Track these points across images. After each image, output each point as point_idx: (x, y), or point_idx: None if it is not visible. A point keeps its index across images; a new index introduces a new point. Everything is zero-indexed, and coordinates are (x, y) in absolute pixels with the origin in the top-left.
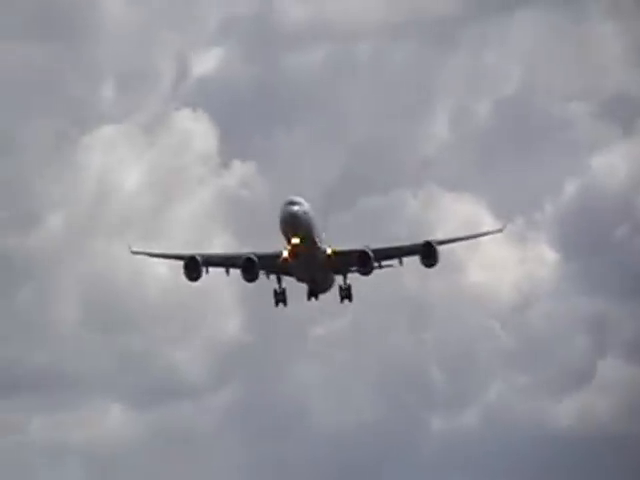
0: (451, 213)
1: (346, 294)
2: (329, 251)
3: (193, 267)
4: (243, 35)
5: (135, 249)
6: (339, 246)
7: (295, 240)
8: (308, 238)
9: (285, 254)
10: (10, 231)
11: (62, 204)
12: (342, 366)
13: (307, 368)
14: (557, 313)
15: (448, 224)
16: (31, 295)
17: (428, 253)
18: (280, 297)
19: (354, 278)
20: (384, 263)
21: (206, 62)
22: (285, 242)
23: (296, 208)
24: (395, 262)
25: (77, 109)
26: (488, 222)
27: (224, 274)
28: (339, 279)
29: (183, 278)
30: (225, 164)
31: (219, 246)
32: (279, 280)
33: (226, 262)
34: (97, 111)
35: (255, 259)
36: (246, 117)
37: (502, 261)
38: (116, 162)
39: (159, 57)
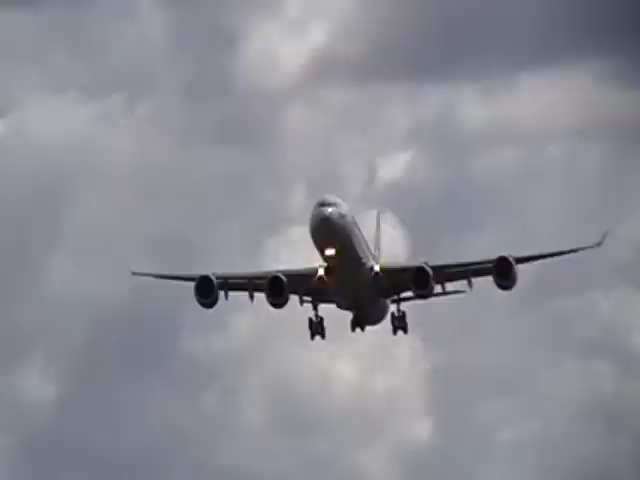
0: None
1: (400, 324)
2: (377, 268)
3: (206, 289)
4: (429, 139)
5: (135, 270)
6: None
7: (330, 251)
8: (347, 250)
9: (321, 272)
10: (195, 333)
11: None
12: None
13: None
14: None
15: None
16: (216, 397)
17: (502, 271)
18: (317, 327)
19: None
20: (449, 287)
21: (393, 166)
22: (320, 257)
23: (330, 210)
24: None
25: (268, 212)
26: None
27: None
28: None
29: (196, 304)
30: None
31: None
32: (315, 307)
33: (248, 284)
34: (287, 214)
35: (283, 278)
36: (433, 220)
37: None
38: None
39: (347, 161)
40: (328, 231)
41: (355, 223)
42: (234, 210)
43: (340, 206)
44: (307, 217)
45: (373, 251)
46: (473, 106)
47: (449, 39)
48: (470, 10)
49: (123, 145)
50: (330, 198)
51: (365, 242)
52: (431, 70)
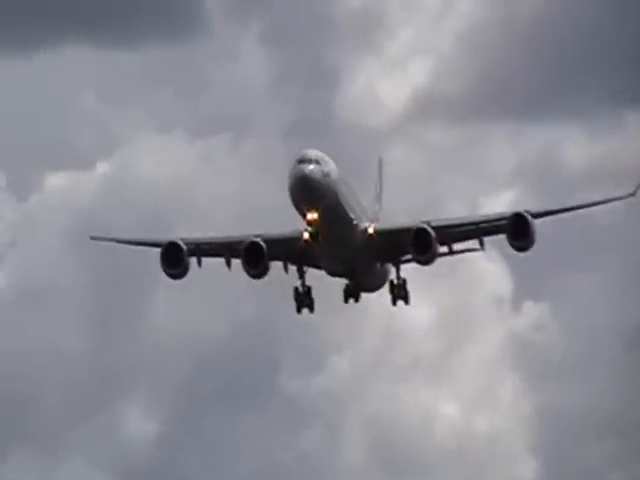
0: None
1: (400, 293)
2: (371, 230)
3: (174, 256)
4: (533, 178)
5: (95, 235)
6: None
7: (311, 215)
8: (334, 212)
9: (306, 236)
10: (294, 374)
11: (347, 346)
12: None
13: None
14: None
15: None
16: (315, 438)
17: (518, 229)
18: (304, 299)
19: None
20: (456, 247)
21: (496, 206)
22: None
23: (311, 167)
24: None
25: None
26: None
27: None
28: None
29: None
30: (517, 305)
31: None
32: (301, 275)
33: (222, 249)
34: None
35: (262, 244)
36: (539, 257)
37: None
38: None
39: (449, 200)
40: (309, 192)
41: (343, 180)
42: None
43: (323, 163)
44: None
45: (374, 205)
46: (577, 145)
47: (552, 77)
48: (574, 48)
49: (227, 184)
50: (311, 153)
51: (357, 200)
52: (534, 108)
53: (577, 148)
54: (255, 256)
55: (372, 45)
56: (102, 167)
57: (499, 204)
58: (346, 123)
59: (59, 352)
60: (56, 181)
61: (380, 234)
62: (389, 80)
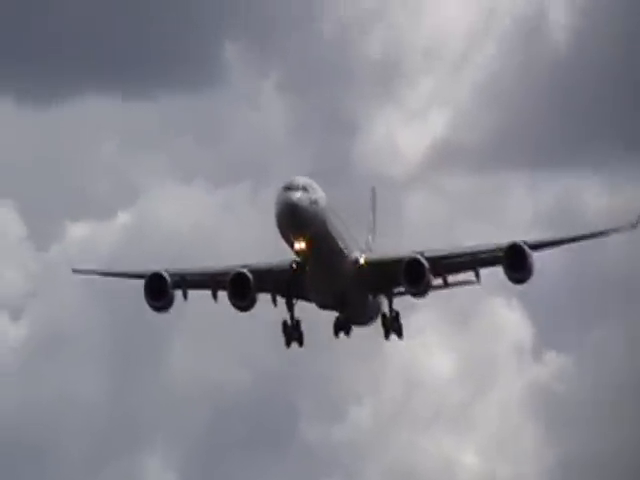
0: None
1: (392, 326)
2: (362, 260)
3: (158, 288)
4: (551, 227)
5: (76, 267)
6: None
7: (299, 244)
8: (322, 241)
9: (294, 265)
10: (314, 422)
11: (368, 395)
12: None
13: None
14: None
15: None
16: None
17: (514, 261)
18: (292, 333)
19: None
20: (451, 280)
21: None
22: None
23: (298, 195)
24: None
25: None
26: None
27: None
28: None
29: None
30: (538, 355)
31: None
32: (290, 307)
33: (208, 281)
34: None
35: (249, 275)
36: (562, 309)
37: None
38: (425, 354)
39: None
40: (296, 220)
41: (332, 209)
42: None
43: (311, 190)
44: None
45: (367, 236)
46: (595, 194)
47: (569, 126)
48: (588, 98)
49: (247, 233)
50: (299, 180)
51: (347, 230)
52: (552, 157)
53: (593, 196)
54: (241, 288)
55: (390, 94)
56: (123, 217)
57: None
58: (364, 171)
59: (75, 401)
60: (77, 231)
61: (371, 265)
62: (407, 129)
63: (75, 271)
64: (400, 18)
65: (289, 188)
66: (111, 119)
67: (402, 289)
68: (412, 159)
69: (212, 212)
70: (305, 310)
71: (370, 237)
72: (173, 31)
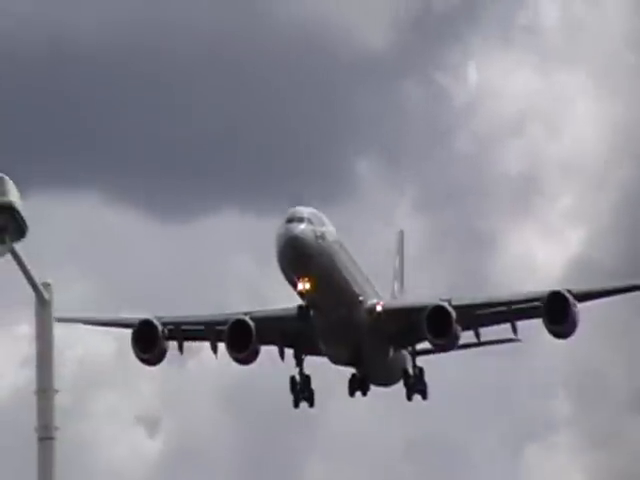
0: None
1: (415, 385)
2: (379, 308)
3: (148, 337)
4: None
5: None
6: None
7: (303, 285)
8: (331, 283)
9: (299, 311)
10: None
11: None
12: None
13: None
14: None
15: None
16: None
17: (556, 312)
18: (301, 391)
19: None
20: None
21: None
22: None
23: (302, 227)
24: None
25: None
26: None
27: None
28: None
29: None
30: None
31: None
32: (299, 362)
33: (206, 331)
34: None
35: (250, 323)
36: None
37: None
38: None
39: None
40: (298, 256)
41: (343, 247)
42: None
43: (317, 222)
44: None
45: (393, 283)
46: None
47: None
48: None
49: None
50: (303, 211)
51: (361, 272)
52: None
53: None
54: (241, 337)
55: (526, 211)
56: None
57: None
58: (501, 287)
59: None
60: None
61: (390, 313)
62: (544, 246)
63: (59, 320)
64: (538, 134)
65: (291, 220)
66: (245, 235)
67: (427, 343)
68: (549, 275)
69: None
70: (317, 366)
71: (396, 285)
72: (308, 147)
